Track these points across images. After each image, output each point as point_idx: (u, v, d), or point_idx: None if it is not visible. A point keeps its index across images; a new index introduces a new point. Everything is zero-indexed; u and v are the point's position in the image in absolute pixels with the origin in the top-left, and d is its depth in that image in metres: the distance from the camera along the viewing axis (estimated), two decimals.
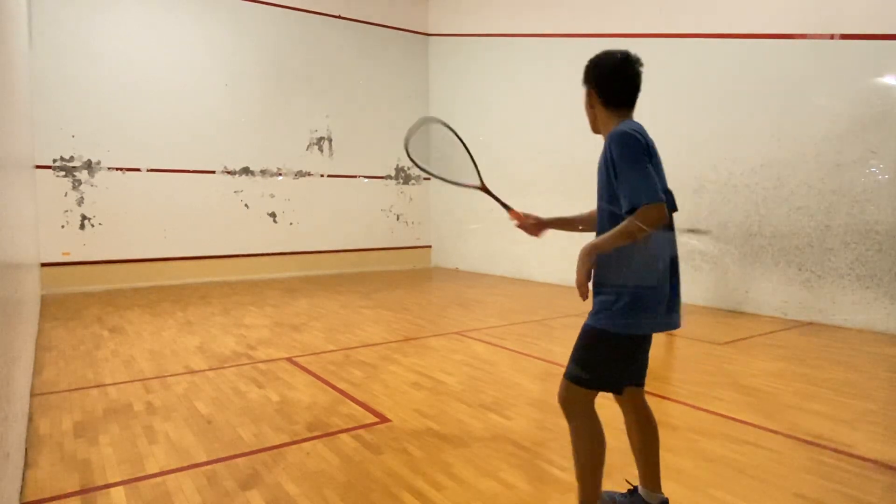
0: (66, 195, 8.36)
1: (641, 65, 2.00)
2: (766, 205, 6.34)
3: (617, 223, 1.83)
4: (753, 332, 5.57)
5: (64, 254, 8.32)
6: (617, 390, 2.09)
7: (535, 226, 2.36)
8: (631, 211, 1.77)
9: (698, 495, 2.38)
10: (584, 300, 1.89)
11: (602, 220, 1.99)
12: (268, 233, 10.06)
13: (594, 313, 1.97)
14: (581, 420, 2.02)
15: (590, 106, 2.07)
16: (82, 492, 2.44)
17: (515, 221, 2.37)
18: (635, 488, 2.19)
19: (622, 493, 2.22)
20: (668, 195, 1.86)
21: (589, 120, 2.11)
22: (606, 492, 2.21)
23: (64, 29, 8.23)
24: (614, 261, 1.90)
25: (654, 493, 2.13)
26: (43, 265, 8.11)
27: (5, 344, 2.28)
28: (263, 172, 10.00)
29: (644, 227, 1.75)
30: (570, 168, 8.64)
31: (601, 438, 2.02)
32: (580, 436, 2.02)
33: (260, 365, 4.47)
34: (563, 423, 3.18)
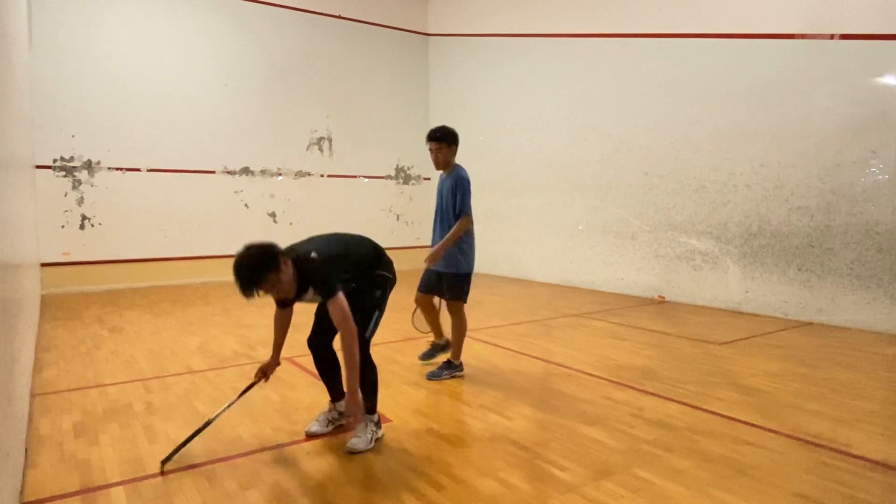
0: (66, 195, 8.36)
1: None
2: (766, 205, 6.34)
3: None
4: (753, 332, 5.57)
5: (64, 254, 8.32)
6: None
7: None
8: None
9: (698, 495, 2.38)
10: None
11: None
12: (268, 233, 10.02)
13: None
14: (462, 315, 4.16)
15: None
16: (82, 492, 2.44)
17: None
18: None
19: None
20: None
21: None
22: None
23: (64, 29, 8.23)
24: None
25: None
26: (43, 265, 8.11)
27: (5, 344, 2.28)
28: (263, 172, 10.00)
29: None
30: (569, 168, 8.63)
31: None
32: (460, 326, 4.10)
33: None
34: (564, 423, 3.19)
